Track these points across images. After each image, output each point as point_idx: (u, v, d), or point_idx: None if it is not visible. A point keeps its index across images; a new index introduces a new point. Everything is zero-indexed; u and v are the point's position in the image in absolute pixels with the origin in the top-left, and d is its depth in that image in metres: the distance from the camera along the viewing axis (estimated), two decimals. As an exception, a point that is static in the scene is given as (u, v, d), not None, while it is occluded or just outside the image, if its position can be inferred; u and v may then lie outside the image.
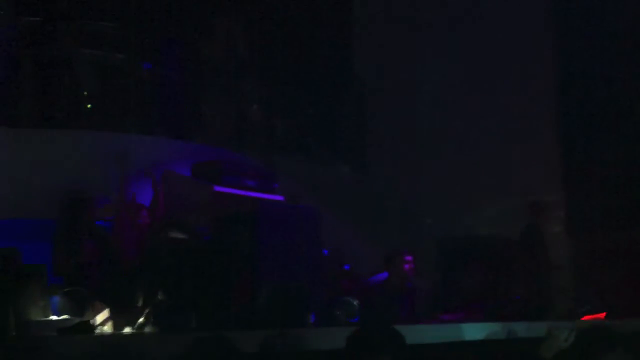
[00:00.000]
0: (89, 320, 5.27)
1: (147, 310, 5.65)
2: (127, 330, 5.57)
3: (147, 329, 5.56)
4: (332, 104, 10.22)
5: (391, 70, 10.25)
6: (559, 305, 8.35)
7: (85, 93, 7.85)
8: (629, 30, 9.90)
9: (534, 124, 10.15)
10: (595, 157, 10.07)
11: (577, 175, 10.10)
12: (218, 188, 7.63)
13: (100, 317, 5.57)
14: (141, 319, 5.57)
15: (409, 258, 7.57)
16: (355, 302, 6.84)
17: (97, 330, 5.46)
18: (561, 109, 10.32)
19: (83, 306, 5.71)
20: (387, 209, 9.73)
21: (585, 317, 7.54)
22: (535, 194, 9.55)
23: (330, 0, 10.30)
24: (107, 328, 5.58)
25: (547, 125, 10.32)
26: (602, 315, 7.47)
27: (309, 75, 9.92)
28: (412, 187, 10.02)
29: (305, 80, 9.84)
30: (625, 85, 9.94)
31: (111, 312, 5.60)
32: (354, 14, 10.48)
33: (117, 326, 5.60)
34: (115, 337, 5.25)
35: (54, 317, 5.60)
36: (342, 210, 9.44)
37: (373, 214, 9.61)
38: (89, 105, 7.78)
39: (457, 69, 10.05)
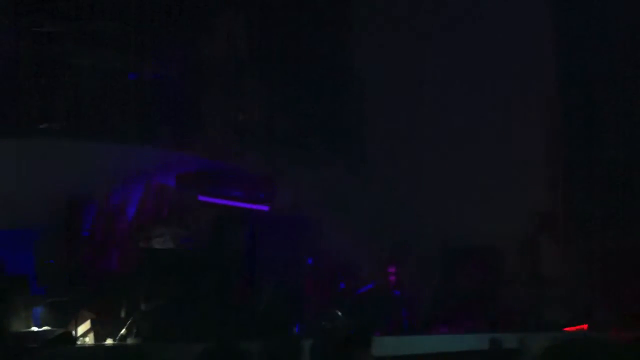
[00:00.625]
0: (70, 332, 5.24)
1: (129, 321, 5.64)
2: (109, 341, 5.55)
3: (130, 340, 5.55)
4: (330, 105, 10.17)
5: (391, 70, 10.23)
6: (545, 316, 8.37)
7: (71, 104, 7.80)
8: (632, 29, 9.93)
9: (536, 126, 10.09)
10: (597, 162, 10.06)
11: (576, 182, 10.08)
12: (202, 198, 7.62)
13: (82, 328, 5.54)
14: (123, 330, 5.55)
15: (392, 270, 7.59)
16: (341, 314, 6.86)
17: (79, 341, 5.44)
18: (564, 111, 10.27)
19: (65, 317, 5.69)
20: (383, 216, 9.68)
21: (568, 329, 7.57)
22: (536, 200, 9.56)
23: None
24: (89, 339, 5.56)
25: (550, 128, 10.27)
26: (585, 326, 7.50)
27: (307, 76, 9.87)
28: (410, 193, 9.97)
29: (304, 82, 9.80)
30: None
31: (93, 322, 5.58)
32: (354, 12, 10.45)
33: (100, 337, 5.58)
34: (97, 348, 5.22)
35: (36, 329, 5.57)
36: (337, 218, 9.37)
37: (369, 221, 9.56)
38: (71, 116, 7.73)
39: (458, 69, 10.05)
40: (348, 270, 8.00)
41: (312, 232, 7.04)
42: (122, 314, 5.75)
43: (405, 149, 9.97)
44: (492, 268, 8.76)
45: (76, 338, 5.43)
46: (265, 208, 7.97)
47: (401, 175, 9.71)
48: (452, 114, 9.81)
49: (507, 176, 9.67)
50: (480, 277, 8.73)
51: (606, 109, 9.96)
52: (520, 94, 9.92)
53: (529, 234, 9.04)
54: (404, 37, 10.02)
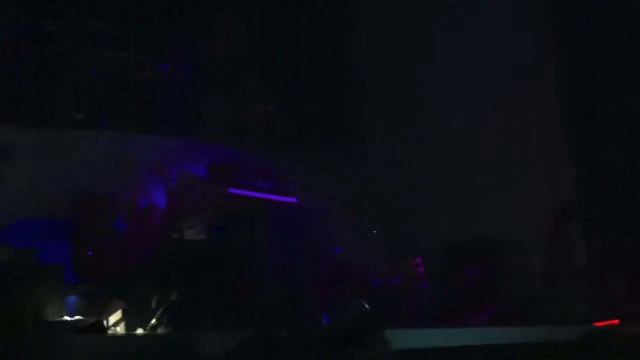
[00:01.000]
0: (102, 321, 5.35)
1: (160, 311, 5.74)
2: (139, 330, 5.66)
3: (160, 330, 5.65)
4: (337, 104, 10.22)
5: (394, 70, 10.22)
6: (575, 310, 8.32)
7: (102, 94, 7.95)
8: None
9: (547, 120, 10.04)
10: (612, 158, 9.99)
11: (592, 176, 10.01)
12: (232, 190, 7.69)
13: (113, 318, 5.66)
14: (154, 320, 5.65)
15: (418, 261, 7.60)
16: (366, 305, 6.89)
17: (110, 331, 5.55)
18: (576, 106, 10.21)
19: (97, 306, 5.81)
20: (395, 210, 9.71)
21: (599, 324, 7.53)
22: (550, 195, 9.51)
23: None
24: (120, 328, 5.67)
25: (562, 121, 10.21)
26: (616, 321, 7.45)
27: (308, 75, 9.92)
28: (421, 188, 9.98)
29: (318, 81, 9.85)
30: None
31: (124, 312, 5.69)
32: (356, 12, 10.46)
33: (130, 326, 5.69)
34: (128, 337, 5.33)
35: (68, 318, 5.70)
36: (348, 212, 9.43)
37: (380, 215, 9.60)
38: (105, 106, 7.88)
39: (462, 67, 10.01)
40: (371, 263, 8.06)
41: (330, 224, 7.10)
42: (153, 304, 5.85)
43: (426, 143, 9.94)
44: (517, 263, 8.74)
45: (107, 327, 5.54)
46: (293, 200, 8.05)
47: (411, 172, 9.73)
48: (458, 112, 9.78)
49: (523, 171, 9.66)
50: (505, 272, 8.72)
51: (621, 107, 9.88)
52: (531, 90, 9.88)
53: (554, 226, 8.98)
54: (405, 36, 9.98)
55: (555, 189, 9.74)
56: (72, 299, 5.84)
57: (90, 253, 6.61)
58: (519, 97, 9.92)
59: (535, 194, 9.47)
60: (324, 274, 7.32)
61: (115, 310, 5.71)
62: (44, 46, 7.93)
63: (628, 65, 9.66)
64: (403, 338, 5.85)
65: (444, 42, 10.09)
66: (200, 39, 9.00)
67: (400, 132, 10.10)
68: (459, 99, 9.90)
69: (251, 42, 9.36)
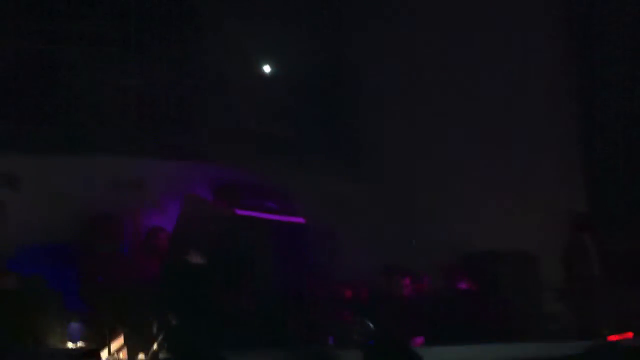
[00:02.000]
0: (98, 349, 5.34)
1: (161, 337, 5.71)
2: (141, 357, 5.64)
3: (161, 356, 5.62)
4: (345, 118, 10.20)
5: (406, 76, 10.18)
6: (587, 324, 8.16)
7: (105, 119, 8.01)
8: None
9: (561, 128, 9.93)
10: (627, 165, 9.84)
11: (606, 184, 9.86)
12: (240, 211, 7.67)
13: (115, 345, 5.64)
14: (155, 346, 5.63)
15: (406, 282, 7.52)
16: (371, 325, 6.84)
17: (112, 357, 5.54)
18: (593, 113, 10.09)
19: (100, 333, 5.80)
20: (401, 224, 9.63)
21: (612, 337, 7.38)
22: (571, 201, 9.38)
23: (343, 15, 10.28)
24: (122, 355, 5.65)
25: (578, 129, 10.10)
26: (630, 334, 7.30)
27: (324, 88, 9.92)
28: (430, 199, 9.89)
29: (320, 95, 9.85)
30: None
31: (125, 338, 5.67)
32: (368, 28, 10.46)
33: (132, 353, 5.67)
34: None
35: (71, 344, 5.70)
36: (356, 226, 9.36)
37: (387, 230, 9.52)
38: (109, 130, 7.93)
39: (474, 78, 9.95)
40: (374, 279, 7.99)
41: (331, 241, 7.05)
42: (154, 330, 5.83)
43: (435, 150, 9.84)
44: (526, 275, 8.60)
45: (109, 354, 5.53)
46: (301, 220, 7.99)
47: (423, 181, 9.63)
48: (473, 115, 9.67)
49: (538, 178, 9.54)
50: (516, 284, 8.58)
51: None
52: (547, 98, 9.78)
53: (569, 237, 8.82)
54: (418, 49, 9.92)
55: (567, 198, 9.61)
56: (74, 325, 5.84)
57: (92, 279, 6.60)
58: (526, 100, 9.83)
59: (547, 204, 9.36)
60: (328, 294, 7.27)
61: (117, 337, 5.70)
62: (51, 70, 8.03)
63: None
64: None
65: (459, 44, 10.04)
66: (214, 59, 9.05)
67: (410, 144, 10.02)
68: (477, 107, 9.82)
69: (265, 59, 9.41)
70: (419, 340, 7.17)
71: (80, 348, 5.74)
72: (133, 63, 8.28)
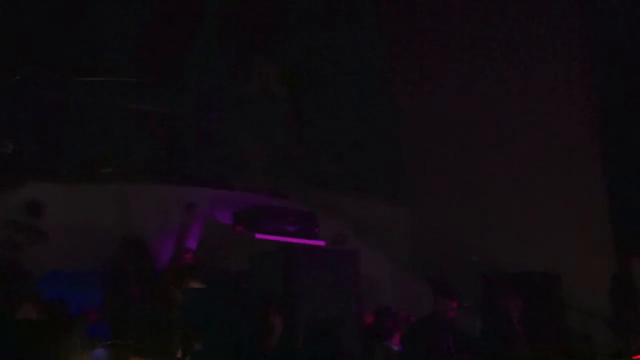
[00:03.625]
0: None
1: (184, 361, 5.77)
2: (164, 382, 5.69)
3: (184, 381, 5.67)
4: (372, 139, 10.27)
5: (433, 103, 10.24)
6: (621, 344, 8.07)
7: (127, 147, 8.16)
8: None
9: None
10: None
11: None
12: (259, 235, 7.76)
13: (138, 370, 5.70)
14: (179, 371, 5.68)
15: (451, 290, 7.39)
16: (395, 348, 6.82)
17: (135, 384, 5.59)
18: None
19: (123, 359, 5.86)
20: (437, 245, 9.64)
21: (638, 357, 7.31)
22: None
23: (368, 34, 10.38)
24: (145, 380, 5.70)
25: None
26: (655, 354, 7.22)
27: (349, 109, 10.01)
28: (463, 221, 9.89)
29: (345, 116, 9.94)
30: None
31: (149, 364, 5.73)
32: (393, 45, 10.55)
33: (155, 378, 5.72)
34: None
35: (93, 371, 5.77)
36: (386, 248, 9.41)
37: (420, 251, 9.55)
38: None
39: (502, 95, 9.96)
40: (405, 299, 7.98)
41: (355, 265, 7.05)
42: (179, 355, 5.88)
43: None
44: (553, 293, 8.52)
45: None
46: (322, 243, 8.06)
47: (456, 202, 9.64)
48: (503, 141, 9.67)
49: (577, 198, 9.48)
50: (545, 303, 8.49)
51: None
52: (581, 117, 9.73)
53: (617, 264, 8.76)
54: (445, 67, 9.97)
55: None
56: (98, 352, 5.92)
57: (118, 305, 6.70)
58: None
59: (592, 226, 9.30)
60: (356, 317, 7.26)
61: (140, 362, 5.76)
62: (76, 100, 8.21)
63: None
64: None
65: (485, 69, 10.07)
66: (237, 84, 9.19)
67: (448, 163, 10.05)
68: (508, 125, 9.83)
69: (287, 83, 9.52)
70: None
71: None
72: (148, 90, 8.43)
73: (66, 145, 8.10)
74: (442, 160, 10.12)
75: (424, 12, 10.38)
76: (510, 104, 10.00)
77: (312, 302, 6.68)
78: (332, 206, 9.25)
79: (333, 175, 9.85)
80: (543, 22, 9.93)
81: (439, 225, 9.71)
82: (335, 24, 10.27)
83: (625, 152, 9.74)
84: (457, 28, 10.31)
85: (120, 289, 6.97)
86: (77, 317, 6.33)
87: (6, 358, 5.47)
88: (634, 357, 7.48)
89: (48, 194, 7.46)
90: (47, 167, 7.86)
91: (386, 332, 7.30)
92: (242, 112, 9.08)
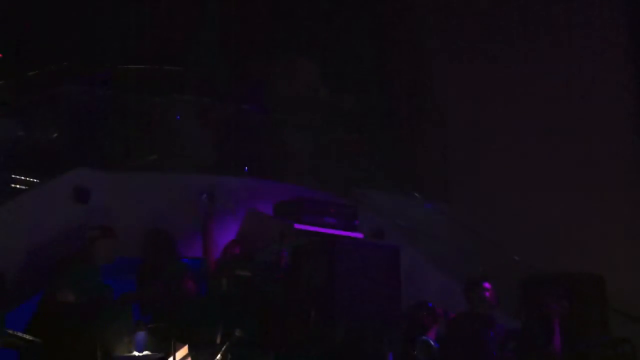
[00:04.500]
0: (163, 358, 5.48)
1: (224, 347, 5.83)
2: (204, 366, 5.77)
3: (224, 366, 5.74)
4: (413, 136, 10.30)
5: (473, 103, 10.21)
6: None
7: (170, 138, 8.27)
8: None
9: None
10: None
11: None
12: (298, 226, 7.80)
13: (179, 354, 5.78)
14: (219, 356, 5.75)
15: (487, 286, 7.34)
16: (433, 343, 6.82)
17: (176, 366, 5.67)
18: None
19: (165, 342, 5.96)
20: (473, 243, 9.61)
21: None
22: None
23: (411, 37, 10.42)
24: (186, 364, 5.79)
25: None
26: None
27: (390, 108, 10.06)
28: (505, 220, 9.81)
29: (386, 114, 9.99)
30: None
31: (190, 349, 5.81)
32: (435, 48, 10.57)
33: (196, 362, 5.80)
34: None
35: (137, 353, 5.89)
36: (425, 245, 9.41)
37: (456, 248, 9.53)
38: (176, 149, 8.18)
39: (543, 95, 9.89)
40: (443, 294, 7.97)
41: (396, 259, 7.03)
42: (218, 340, 5.95)
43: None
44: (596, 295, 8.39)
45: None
46: (359, 235, 8.08)
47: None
48: (546, 135, 9.59)
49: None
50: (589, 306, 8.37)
51: None
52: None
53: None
54: (486, 68, 9.92)
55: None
56: (140, 334, 6.03)
57: (159, 290, 6.80)
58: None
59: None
60: (393, 312, 7.25)
61: (182, 346, 5.85)
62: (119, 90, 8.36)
63: None
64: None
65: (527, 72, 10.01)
66: (281, 79, 9.27)
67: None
68: (550, 124, 9.76)
69: (330, 80, 9.59)
70: None
71: (146, 357, 5.91)
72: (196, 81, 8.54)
73: (110, 134, 8.24)
74: (482, 158, 10.08)
75: (477, 11, 10.36)
76: (552, 103, 9.93)
77: (353, 294, 6.69)
78: (371, 201, 9.28)
79: (372, 171, 9.88)
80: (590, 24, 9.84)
81: (477, 223, 9.66)
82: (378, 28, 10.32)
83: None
84: (500, 29, 10.27)
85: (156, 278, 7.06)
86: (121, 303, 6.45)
87: (56, 340, 5.63)
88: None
89: (94, 180, 7.59)
90: (92, 155, 8.00)
91: (424, 327, 7.31)
92: (287, 108, 9.15)
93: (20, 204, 7.20)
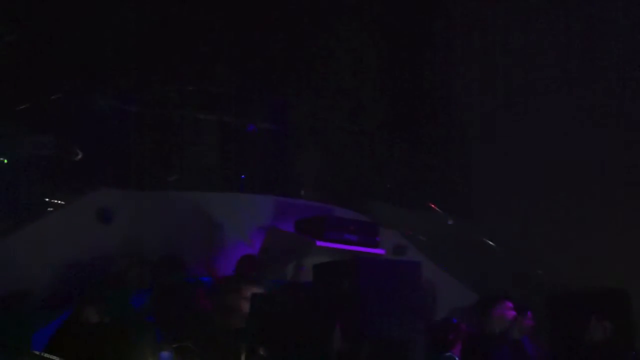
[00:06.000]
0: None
1: (248, 366, 5.84)
2: (228, 385, 5.77)
3: (248, 385, 5.73)
4: (434, 153, 10.28)
5: (497, 114, 10.18)
6: None
7: (193, 158, 8.34)
8: None
9: None
10: None
11: None
12: (320, 243, 7.81)
13: (203, 373, 5.80)
14: (242, 375, 5.75)
15: (509, 305, 7.21)
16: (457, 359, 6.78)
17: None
18: None
19: (188, 361, 5.97)
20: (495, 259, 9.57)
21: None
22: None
23: (434, 51, 10.42)
24: (210, 383, 5.80)
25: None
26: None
27: (412, 126, 10.06)
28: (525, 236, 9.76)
29: (407, 132, 9.99)
30: None
31: (213, 367, 5.83)
32: (463, 63, 10.56)
33: (220, 382, 5.81)
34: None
35: (161, 372, 5.90)
36: (448, 262, 9.38)
37: (478, 264, 9.48)
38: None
39: (568, 105, 9.83)
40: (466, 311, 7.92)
41: (418, 276, 7.00)
42: (242, 359, 5.96)
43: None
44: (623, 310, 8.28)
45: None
46: (381, 252, 8.08)
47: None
48: (570, 147, 9.52)
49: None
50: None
51: None
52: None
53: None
54: (511, 82, 9.88)
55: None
56: (164, 354, 6.04)
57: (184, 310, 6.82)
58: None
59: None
60: (417, 329, 7.21)
61: (205, 366, 5.87)
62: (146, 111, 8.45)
63: None
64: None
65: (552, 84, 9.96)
66: (300, 97, 9.33)
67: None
68: (574, 135, 9.69)
69: (351, 99, 9.63)
70: None
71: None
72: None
73: (133, 152, 8.32)
74: (504, 172, 10.03)
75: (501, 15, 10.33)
76: (577, 119, 9.86)
77: (377, 312, 6.66)
78: (392, 218, 9.28)
79: (393, 188, 9.89)
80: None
81: (499, 239, 9.62)
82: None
83: None
84: (528, 35, 10.23)
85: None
86: (146, 321, 6.49)
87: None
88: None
89: (116, 200, 7.67)
90: (115, 174, 8.09)
91: (448, 344, 7.26)
92: (309, 127, 9.20)
93: (47, 222, 7.29)
